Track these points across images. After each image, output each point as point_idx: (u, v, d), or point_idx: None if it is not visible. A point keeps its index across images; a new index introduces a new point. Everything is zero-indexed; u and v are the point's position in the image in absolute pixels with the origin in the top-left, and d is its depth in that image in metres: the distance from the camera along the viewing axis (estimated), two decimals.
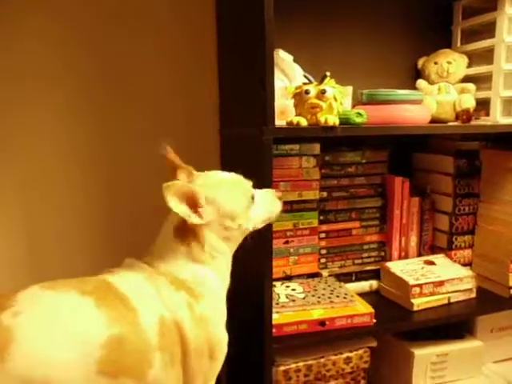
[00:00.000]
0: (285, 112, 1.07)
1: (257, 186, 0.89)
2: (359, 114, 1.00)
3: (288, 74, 1.16)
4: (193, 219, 0.77)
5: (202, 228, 0.80)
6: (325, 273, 1.25)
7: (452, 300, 1.21)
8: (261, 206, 0.86)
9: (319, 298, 1.11)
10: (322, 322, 1.06)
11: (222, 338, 0.81)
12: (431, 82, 1.29)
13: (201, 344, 0.76)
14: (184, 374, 0.76)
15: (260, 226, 0.88)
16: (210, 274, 0.81)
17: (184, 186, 0.76)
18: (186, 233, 0.80)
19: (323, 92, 0.96)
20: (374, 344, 1.16)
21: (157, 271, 0.78)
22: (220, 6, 1.21)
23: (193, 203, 0.77)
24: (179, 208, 0.75)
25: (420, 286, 1.17)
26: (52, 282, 0.72)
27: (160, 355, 0.72)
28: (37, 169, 1.19)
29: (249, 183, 0.86)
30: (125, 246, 1.04)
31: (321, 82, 0.98)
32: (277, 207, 0.89)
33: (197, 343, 0.76)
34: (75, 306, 0.69)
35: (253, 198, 0.85)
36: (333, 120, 0.95)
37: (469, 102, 1.22)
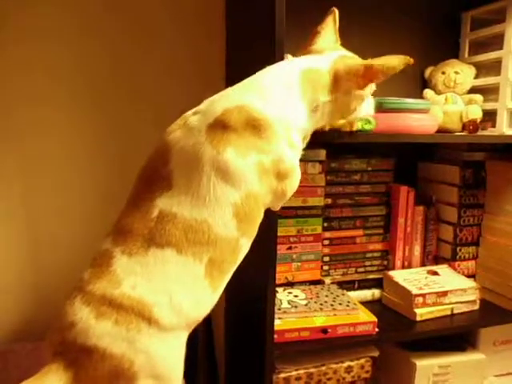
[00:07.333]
0: None
1: None
2: (368, 121, 0.99)
3: None
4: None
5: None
6: (327, 280, 1.24)
7: (455, 311, 1.20)
8: None
9: (322, 305, 1.10)
10: (324, 330, 1.05)
11: None
12: (438, 92, 1.29)
13: None
14: None
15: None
16: None
17: None
18: None
19: None
20: (375, 354, 1.15)
21: None
22: (230, 8, 1.22)
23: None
24: None
25: (423, 295, 1.16)
26: None
27: None
28: (44, 163, 1.19)
29: None
30: None
31: None
32: None
33: None
34: None
35: None
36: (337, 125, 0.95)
37: (476, 112, 1.22)
